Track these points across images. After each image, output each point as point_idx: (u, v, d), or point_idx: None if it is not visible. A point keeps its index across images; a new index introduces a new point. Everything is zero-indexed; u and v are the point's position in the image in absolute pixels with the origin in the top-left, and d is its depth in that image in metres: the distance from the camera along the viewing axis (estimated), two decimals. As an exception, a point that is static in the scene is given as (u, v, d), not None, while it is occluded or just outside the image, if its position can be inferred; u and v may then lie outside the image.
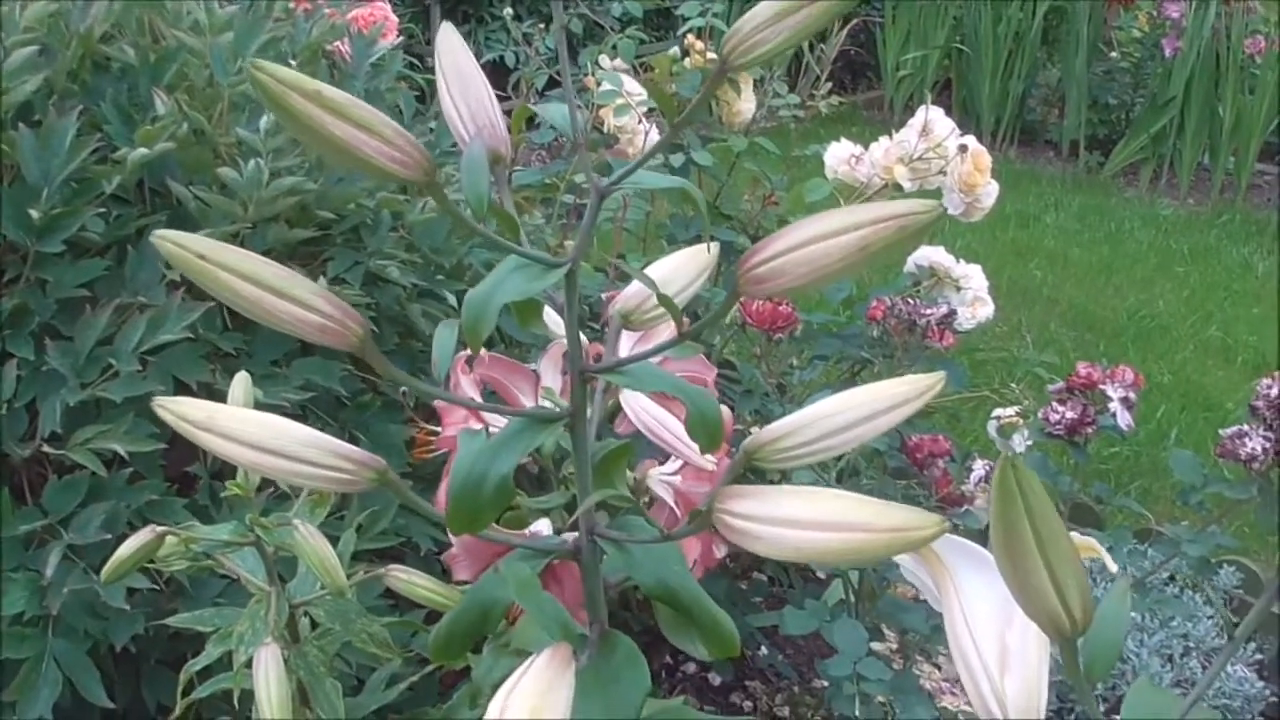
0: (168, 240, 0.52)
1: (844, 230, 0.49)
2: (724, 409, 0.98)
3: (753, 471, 0.60)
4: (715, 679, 1.81)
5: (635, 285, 0.68)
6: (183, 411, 0.60)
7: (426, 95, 1.84)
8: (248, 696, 0.84)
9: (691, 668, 1.86)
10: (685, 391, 0.59)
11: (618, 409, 0.86)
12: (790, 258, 0.51)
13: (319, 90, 0.48)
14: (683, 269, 0.70)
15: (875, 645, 1.41)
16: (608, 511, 0.71)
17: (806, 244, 0.50)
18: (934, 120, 1.52)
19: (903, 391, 0.62)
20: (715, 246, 0.71)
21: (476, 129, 0.59)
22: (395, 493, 0.60)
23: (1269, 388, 1.34)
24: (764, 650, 1.84)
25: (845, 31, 2.16)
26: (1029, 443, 1.66)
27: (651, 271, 0.70)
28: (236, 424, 0.60)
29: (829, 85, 2.06)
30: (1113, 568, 0.62)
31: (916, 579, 0.65)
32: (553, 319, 0.93)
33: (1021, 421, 1.72)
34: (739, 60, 0.51)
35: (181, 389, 1.07)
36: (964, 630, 0.58)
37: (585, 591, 0.63)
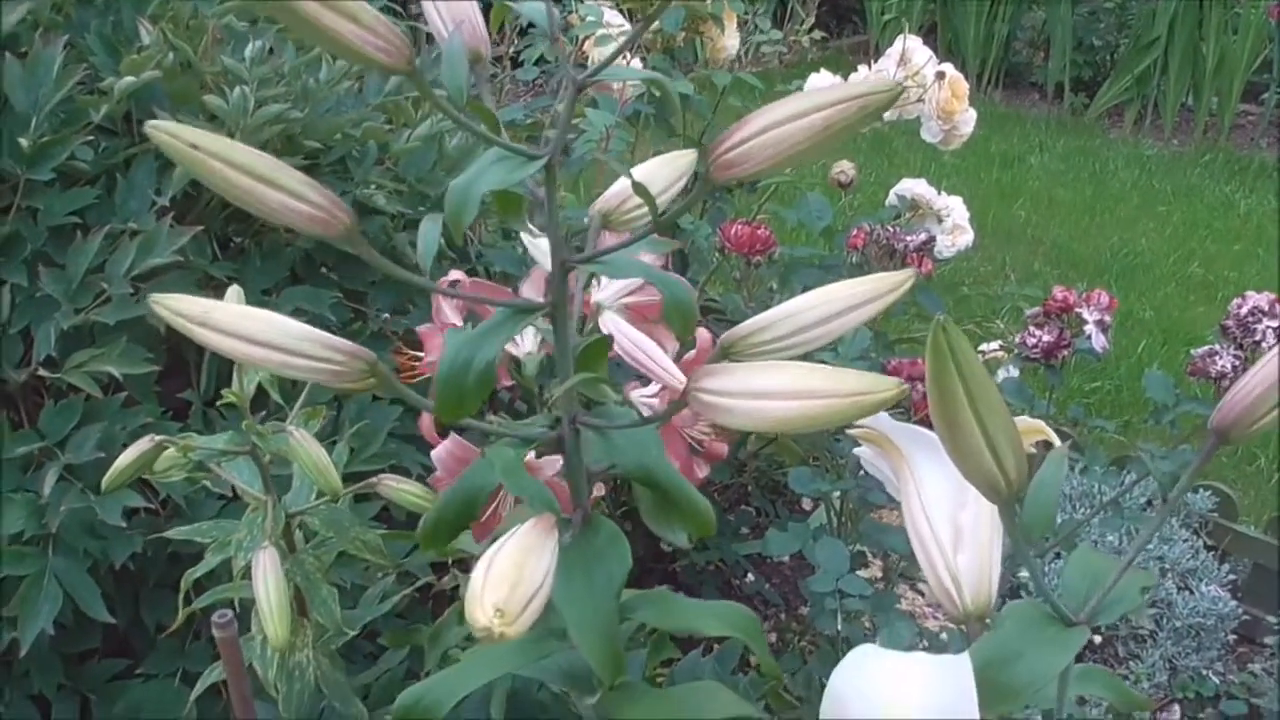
0: (161, 131, 0.54)
1: (808, 112, 0.51)
2: (703, 332, 1.01)
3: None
4: (704, 606, 1.85)
5: (615, 187, 0.71)
6: (178, 307, 0.62)
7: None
8: (246, 609, 0.87)
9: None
10: (659, 278, 0.61)
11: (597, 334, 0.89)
12: (758, 141, 0.53)
13: (304, -22, 0.50)
14: (660, 172, 0.72)
15: (859, 573, 1.44)
16: (589, 407, 0.74)
17: (773, 127, 0.52)
18: (912, 49, 1.53)
19: (873, 288, 0.65)
20: (692, 152, 0.73)
21: (455, 25, 0.61)
22: (384, 385, 0.62)
23: (1239, 306, 1.37)
24: (750, 578, 1.88)
25: (830, -27, 2.17)
26: (1013, 374, 1.68)
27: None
28: (231, 319, 0.62)
29: (811, 23, 2.07)
30: (1056, 442, 0.65)
31: (876, 469, 0.67)
32: (533, 244, 0.95)
33: (1006, 356, 1.75)
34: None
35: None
36: (919, 512, 0.61)
37: (568, 478, 0.66)
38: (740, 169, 0.54)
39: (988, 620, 0.60)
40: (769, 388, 0.53)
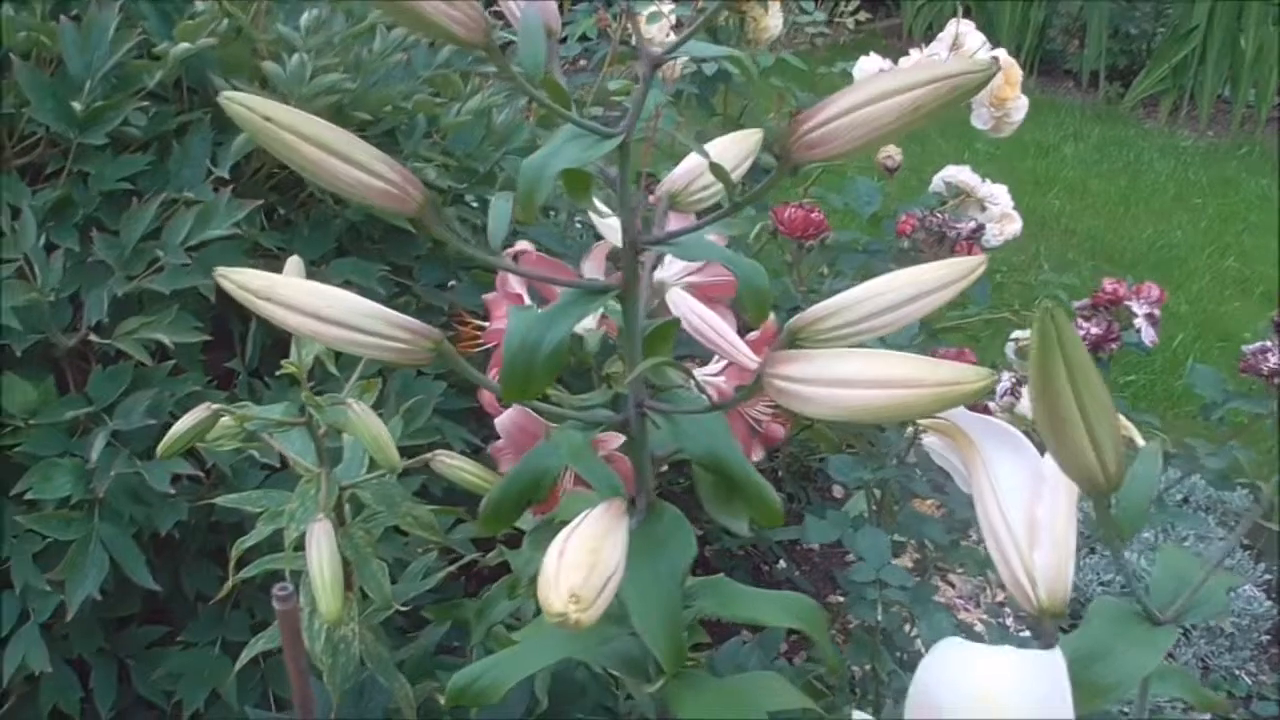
0: (235, 103, 0.53)
1: (898, 91, 0.50)
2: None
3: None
4: (734, 591, 1.84)
5: (684, 166, 0.70)
6: (244, 281, 0.62)
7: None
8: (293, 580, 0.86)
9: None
10: (735, 261, 0.60)
11: (662, 312, 0.88)
12: (844, 121, 0.52)
13: (389, -50, 0.49)
14: (728, 151, 0.71)
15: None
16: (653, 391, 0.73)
17: (860, 106, 0.51)
18: (964, 33, 1.51)
19: (946, 273, 0.63)
20: (759, 131, 0.72)
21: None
22: (450, 363, 0.61)
23: (1293, 303, 1.35)
24: (782, 564, 1.87)
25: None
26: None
27: (696, 155, 0.71)
28: (296, 294, 0.61)
29: (856, 4, 2.06)
30: (1138, 439, 0.64)
31: (945, 460, 0.66)
32: (600, 221, 0.94)
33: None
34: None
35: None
36: (993, 505, 0.59)
37: (633, 463, 0.65)
38: (824, 149, 0.53)
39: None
40: (852, 376, 0.52)
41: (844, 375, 0.53)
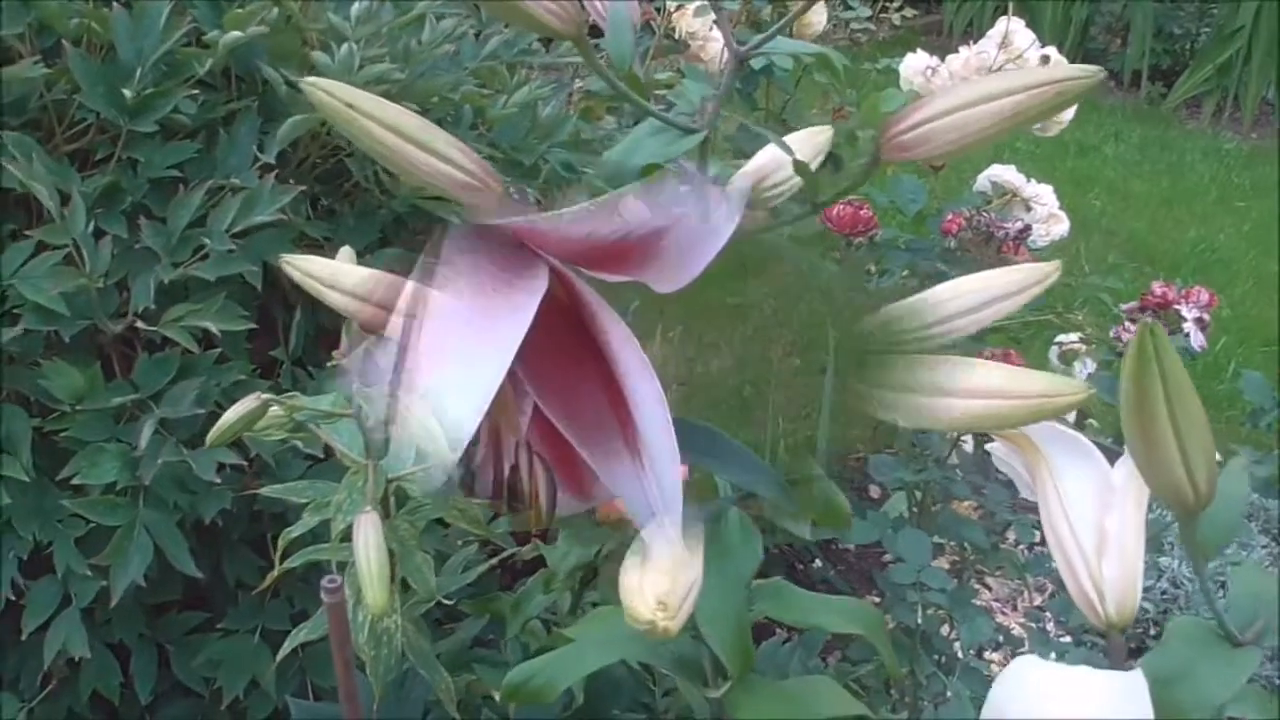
0: (317, 88, 0.52)
1: (999, 95, 0.49)
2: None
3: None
4: (770, 589, 1.83)
5: (756, 162, 0.68)
6: (308, 268, 0.60)
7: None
8: (327, 571, 0.85)
9: (746, 579, 1.88)
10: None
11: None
12: (940, 123, 0.50)
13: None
14: (799, 149, 0.69)
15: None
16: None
17: (957, 109, 0.49)
18: (1014, 31, 1.49)
19: (1021, 279, 0.62)
20: (828, 128, 0.71)
21: (615, -9, 0.58)
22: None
23: (1350, 311, 1.32)
24: (818, 564, 1.86)
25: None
26: (1089, 370, 1.64)
27: (766, 151, 0.69)
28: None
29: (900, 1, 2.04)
30: (1216, 456, 0.62)
31: (1008, 466, 0.65)
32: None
33: (1084, 348, 1.71)
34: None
35: (269, 271, 1.08)
36: (1060, 515, 0.58)
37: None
38: (917, 151, 0.51)
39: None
40: (942, 385, 0.50)
41: (939, 384, 0.51)
